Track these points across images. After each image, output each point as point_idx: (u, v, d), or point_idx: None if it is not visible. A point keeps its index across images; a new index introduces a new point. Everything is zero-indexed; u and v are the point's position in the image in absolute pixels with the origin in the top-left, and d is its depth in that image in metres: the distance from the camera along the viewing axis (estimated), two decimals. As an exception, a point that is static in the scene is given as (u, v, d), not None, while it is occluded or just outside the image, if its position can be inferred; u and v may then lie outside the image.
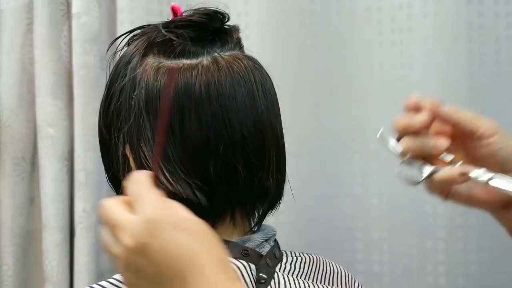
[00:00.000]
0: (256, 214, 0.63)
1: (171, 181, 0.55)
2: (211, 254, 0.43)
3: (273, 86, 0.62)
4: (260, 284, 0.58)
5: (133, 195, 0.46)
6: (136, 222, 0.43)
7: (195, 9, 0.61)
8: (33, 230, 1.14)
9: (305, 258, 0.67)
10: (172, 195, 0.56)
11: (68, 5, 1.11)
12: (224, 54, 0.59)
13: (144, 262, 0.43)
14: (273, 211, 0.64)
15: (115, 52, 0.65)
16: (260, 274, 0.58)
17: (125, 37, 0.63)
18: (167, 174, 0.55)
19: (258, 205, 0.62)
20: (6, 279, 1.11)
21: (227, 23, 0.62)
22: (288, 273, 0.62)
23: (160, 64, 0.57)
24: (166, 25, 0.60)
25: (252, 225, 0.63)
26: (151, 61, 0.58)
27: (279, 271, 0.61)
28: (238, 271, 0.57)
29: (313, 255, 0.69)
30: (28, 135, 1.12)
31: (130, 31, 0.63)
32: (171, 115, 0.55)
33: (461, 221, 1.04)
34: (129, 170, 0.58)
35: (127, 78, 0.58)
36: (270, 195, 0.61)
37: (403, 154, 0.58)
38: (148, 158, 0.56)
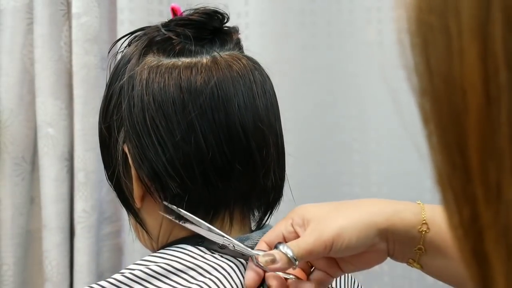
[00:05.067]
0: (256, 213, 0.63)
1: (172, 179, 0.56)
2: None
3: (273, 86, 0.62)
4: (259, 283, 0.58)
5: None
6: None
7: (194, 9, 0.61)
8: (33, 230, 1.14)
9: (305, 257, 0.67)
10: (173, 194, 0.56)
11: (68, 5, 1.11)
12: (223, 54, 0.59)
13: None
14: (274, 211, 0.64)
15: (116, 53, 0.65)
16: (259, 273, 0.58)
17: (126, 39, 0.64)
18: (170, 171, 0.55)
19: (258, 204, 0.62)
20: (6, 279, 1.11)
21: (227, 24, 0.62)
22: (288, 273, 0.62)
23: (160, 63, 0.57)
24: (165, 24, 0.60)
25: (252, 224, 0.63)
26: (150, 59, 0.58)
27: (278, 270, 0.61)
28: (237, 269, 0.57)
29: (312, 255, 0.69)
30: (28, 135, 1.12)
31: (131, 33, 0.63)
32: (171, 113, 0.55)
33: (461, 221, 1.04)
34: (128, 168, 0.59)
35: (126, 76, 0.58)
36: (270, 194, 0.61)
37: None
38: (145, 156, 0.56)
